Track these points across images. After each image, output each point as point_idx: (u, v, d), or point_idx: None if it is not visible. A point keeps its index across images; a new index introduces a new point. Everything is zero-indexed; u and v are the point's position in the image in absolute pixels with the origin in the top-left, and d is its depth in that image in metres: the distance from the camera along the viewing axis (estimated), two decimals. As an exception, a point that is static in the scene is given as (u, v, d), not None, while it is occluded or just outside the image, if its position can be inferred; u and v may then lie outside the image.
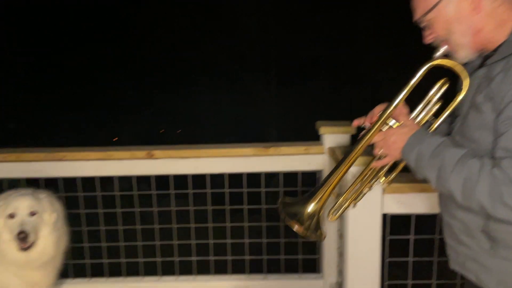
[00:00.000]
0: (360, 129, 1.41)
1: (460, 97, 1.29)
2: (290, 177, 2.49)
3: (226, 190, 2.48)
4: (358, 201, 1.50)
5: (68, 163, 2.37)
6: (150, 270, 2.60)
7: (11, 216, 1.85)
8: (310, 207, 1.33)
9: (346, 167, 1.35)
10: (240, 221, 2.55)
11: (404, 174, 1.82)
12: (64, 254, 2.08)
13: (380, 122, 1.32)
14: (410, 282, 2.06)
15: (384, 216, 1.83)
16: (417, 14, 1.29)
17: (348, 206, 1.49)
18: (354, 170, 1.60)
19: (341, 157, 1.57)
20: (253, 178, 2.50)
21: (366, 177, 1.45)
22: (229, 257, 2.57)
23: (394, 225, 1.98)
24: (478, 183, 1.11)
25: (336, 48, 10.86)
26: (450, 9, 1.23)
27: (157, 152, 2.35)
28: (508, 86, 1.12)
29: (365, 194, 1.49)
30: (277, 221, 2.57)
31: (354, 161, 1.36)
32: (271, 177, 2.56)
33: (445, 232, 1.40)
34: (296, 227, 1.33)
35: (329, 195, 1.36)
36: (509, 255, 1.21)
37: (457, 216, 1.30)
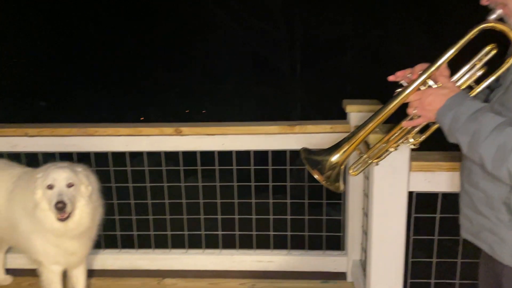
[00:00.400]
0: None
1: (508, 64, 1.25)
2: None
3: (252, 167, 2.52)
4: (382, 159, 1.49)
5: (100, 138, 2.46)
6: (177, 243, 2.69)
7: (50, 187, 1.94)
8: (334, 157, 1.34)
9: (376, 123, 1.33)
10: (265, 198, 2.59)
11: (431, 152, 1.84)
12: (98, 226, 2.17)
13: (420, 81, 1.29)
14: (434, 260, 2.06)
15: (410, 194, 1.83)
16: None
17: (371, 163, 1.48)
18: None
19: (365, 148, 1.57)
20: (279, 155, 2.52)
21: (394, 136, 1.42)
22: (254, 233, 2.63)
23: (419, 204, 1.98)
24: None
25: (362, 26, 10.61)
26: None
27: (185, 129, 2.40)
28: None
29: (389, 153, 1.47)
30: (301, 198, 2.60)
31: (385, 118, 1.33)
32: (297, 155, 2.58)
33: (462, 201, 1.39)
34: (316, 176, 1.35)
35: (354, 149, 1.36)
36: None
37: (479, 186, 1.29)
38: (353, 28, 10.84)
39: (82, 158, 2.48)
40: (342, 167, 1.37)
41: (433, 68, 1.28)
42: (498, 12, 1.24)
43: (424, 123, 1.36)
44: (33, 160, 2.55)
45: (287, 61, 11.65)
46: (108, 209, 2.51)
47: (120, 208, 2.62)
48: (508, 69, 1.26)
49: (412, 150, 1.74)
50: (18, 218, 2.05)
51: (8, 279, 2.53)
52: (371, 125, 1.34)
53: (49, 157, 2.59)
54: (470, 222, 1.36)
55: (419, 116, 1.32)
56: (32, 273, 2.38)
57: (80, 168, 2.05)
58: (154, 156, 2.59)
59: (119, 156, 2.52)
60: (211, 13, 12.05)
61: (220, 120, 2.57)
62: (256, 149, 2.47)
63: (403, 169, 1.79)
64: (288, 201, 2.61)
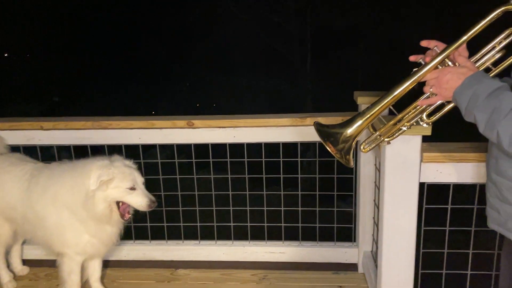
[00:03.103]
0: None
1: None
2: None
3: (263, 159, 2.54)
4: (395, 138, 1.49)
5: (113, 131, 2.49)
6: (190, 235, 2.73)
7: (132, 188, 2.03)
8: (348, 130, 1.36)
9: (392, 99, 1.33)
10: (276, 190, 2.61)
11: (442, 143, 1.83)
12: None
13: (439, 58, 1.29)
14: (446, 251, 2.06)
15: (422, 185, 1.82)
16: None
17: (383, 141, 1.49)
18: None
19: (377, 125, 1.58)
20: (290, 147, 2.53)
21: (408, 115, 1.42)
22: (265, 224, 2.65)
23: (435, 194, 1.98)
24: None
25: (374, 17, 10.49)
26: None
27: (197, 122, 2.43)
28: None
29: (402, 132, 1.47)
30: (313, 191, 2.61)
31: (402, 95, 1.32)
32: (308, 147, 2.59)
33: (489, 190, 1.38)
34: (329, 148, 1.37)
35: (368, 124, 1.38)
36: None
37: (507, 174, 1.28)
38: (365, 19, 10.73)
39: (96, 150, 2.52)
40: (354, 142, 1.38)
41: (452, 48, 1.28)
42: None
43: (440, 102, 1.35)
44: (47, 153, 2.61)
45: (299, 53, 11.60)
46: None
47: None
48: None
49: (426, 140, 1.75)
50: (46, 212, 2.10)
51: (25, 270, 2.60)
52: (387, 101, 1.34)
53: (63, 152, 2.65)
54: (497, 212, 1.36)
55: (436, 95, 1.31)
56: (49, 263, 2.44)
57: (127, 161, 2.11)
58: (165, 149, 2.62)
59: (132, 149, 2.56)
60: (222, 6, 12.04)
61: (231, 113, 2.58)
62: (267, 141, 2.48)
63: (414, 161, 1.79)
64: (300, 193, 2.62)
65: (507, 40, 1.31)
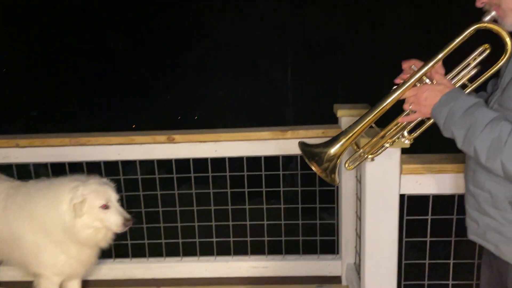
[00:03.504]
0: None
1: (501, 63, 1.29)
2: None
3: (245, 173, 2.53)
4: (378, 155, 1.53)
5: (92, 147, 2.45)
6: (172, 251, 2.69)
7: (106, 207, 1.96)
8: (332, 150, 1.39)
9: (373, 118, 1.38)
10: (259, 204, 2.60)
11: (421, 155, 1.86)
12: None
13: (416, 77, 1.33)
14: (427, 262, 2.08)
15: (402, 197, 1.84)
16: None
17: (366, 158, 1.52)
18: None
19: (361, 142, 1.60)
20: (271, 161, 2.53)
21: (389, 132, 1.46)
22: (248, 239, 2.63)
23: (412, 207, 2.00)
24: (507, 144, 1.13)
25: (353, 29, 10.69)
26: None
27: (178, 137, 2.41)
28: None
29: (385, 149, 1.51)
30: (295, 203, 2.61)
31: (382, 113, 1.37)
32: (289, 160, 2.60)
33: (468, 202, 1.41)
34: (314, 167, 1.39)
35: (351, 142, 1.41)
36: None
37: (485, 187, 1.31)
38: (344, 31, 10.92)
39: (74, 167, 2.47)
40: (339, 160, 1.40)
41: (428, 66, 1.32)
42: (492, 13, 1.28)
43: (419, 119, 1.39)
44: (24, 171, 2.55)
45: (280, 65, 11.70)
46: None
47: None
48: (504, 71, 1.30)
49: (405, 152, 1.78)
50: (22, 232, 2.04)
51: (0, 292, 2.52)
52: (368, 120, 1.38)
53: (41, 168, 2.59)
54: (476, 223, 1.38)
55: (415, 112, 1.35)
56: (25, 285, 2.36)
57: (105, 179, 2.06)
58: (146, 164, 2.59)
59: (111, 165, 2.51)
60: (203, 19, 12.08)
61: (213, 126, 2.58)
62: (249, 155, 2.48)
63: (394, 173, 1.80)
64: (282, 206, 2.62)
65: (481, 57, 1.35)
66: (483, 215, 1.33)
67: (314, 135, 2.44)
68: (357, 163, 1.53)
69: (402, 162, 1.80)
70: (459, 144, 1.25)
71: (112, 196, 2.00)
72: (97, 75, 13.06)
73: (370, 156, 1.52)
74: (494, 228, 1.31)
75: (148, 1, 11.89)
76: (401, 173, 1.81)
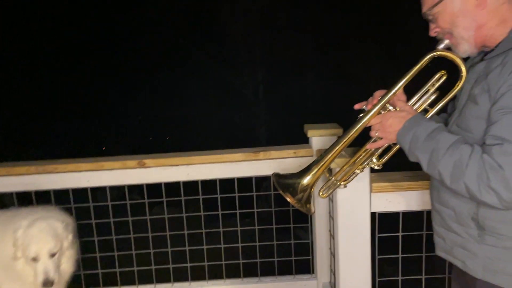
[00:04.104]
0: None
1: (457, 88, 1.36)
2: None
3: (218, 195, 2.51)
4: (350, 181, 1.58)
5: (60, 175, 2.38)
6: (145, 279, 2.62)
7: (34, 259, 1.86)
8: (305, 180, 1.42)
9: (343, 146, 1.43)
10: (233, 226, 2.58)
11: (390, 173, 1.90)
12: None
13: (379, 105, 1.38)
14: (400, 278, 2.11)
15: (373, 215, 1.87)
16: (425, 7, 1.35)
17: (339, 185, 1.56)
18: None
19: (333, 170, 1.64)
20: (244, 182, 2.53)
21: (359, 159, 1.51)
22: (223, 262, 2.60)
23: (384, 224, 2.03)
24: (468, 166, 1.18)
25: (323, 49, 10.95)
26: (456, 3, 1.29)
27: (148, 161, 2.37)
28: (504, 78, 1.18)
29: (356, 175, 1.56)
30: (269, 224, 2.61)
31: (351, 140, 1.42)
32: (262, 181, 2.60)
33: (434, 219, 1.45)
34: (289, 198, 1.42)
35: (323, 171, 1.45)
36: (495, 243, 1.28)
37: (449, 204, 1.35)
38: (313, 51, 11.17)
39: (41, 196, 2.40)
40: (313, 189, 1.44)
41: (390, 94, 1.38)
42: (446, 41, 1.35)
43: (386, 145, 1.45)
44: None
45: (251, 85, 11.81)
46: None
47: (83, 246, 2.53)
48: (460, 94, 1.36)
49: (374, 171, 1.82)
50: None
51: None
52: (337, 148, 1.43)
53: (6, 197, 2.49)
54: (443, 240, 1.42)
55: (381, 138, 1.41)
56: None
57: (59, 223, 1.95)
58: (117, 189, 2.53)
59: (80, 191, 2.45)
60: (173, 40, 12.11)
61: (185, 146, 2.56)
62: (222, 177, 2.47)
63: (364, 191, 1.84)
64: (256, 227, 2.61)
65: (439, 83, 1.42)
66: (449, 231, 1.38)
67: (286, 156, 2.46)
68: (331, 190, 1.57)
69: (372, 180, 1.84)
70: (424, 168, 1.29)
71: (45, 249, 1.85)
72: (64, 98, 12.78)
73: (343, 183, 1.57)
74: (460, 244, 1.35)
75: (117, 23, 11.82)
76: (371, 191, 1.85)
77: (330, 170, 1.69)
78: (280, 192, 1.43)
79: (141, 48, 12.13)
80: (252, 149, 2.47)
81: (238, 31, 11.52)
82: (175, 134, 12.95)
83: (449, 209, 1.36)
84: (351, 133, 1.40)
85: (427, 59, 1.35)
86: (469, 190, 1.19)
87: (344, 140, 1.41)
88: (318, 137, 2.43)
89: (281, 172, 2.43)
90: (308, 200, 1.43)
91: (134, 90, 12.98)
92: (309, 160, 2.43)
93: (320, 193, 1.57)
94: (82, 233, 2.51)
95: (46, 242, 1.86)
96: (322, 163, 1.43)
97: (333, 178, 1.55)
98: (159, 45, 12.15)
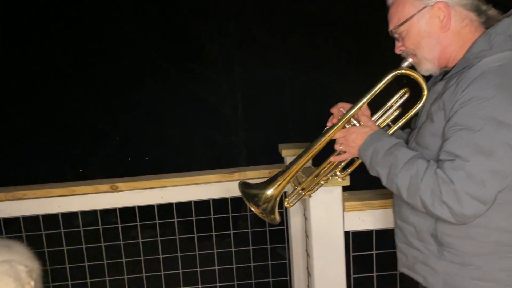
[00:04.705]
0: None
1: (418, 106, 1.40)
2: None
3: (194, 218, 2.49)
4: (314, 192, 1.60)
5: (30, 201, 2.32)
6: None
7: None
8: (269, 191, 1.45)
9: (307, 158, 1.46)
10: (209, 248, 2.55)
11: (362, 191, 1.92)
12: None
13: (344, 120, 1.42)
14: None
15: (347, 233, 1.88)
16: (391, 25, 1.39)
17: (304, 195, 1.58)
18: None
19: (302, 176, 1.66)
20: (220, 204, 2.52)
21: (324, 171, 1.54)
22: (200, 286, 2.55)
23: (360, 242, 2.04)
24: (422, 181, 1.21)
25: (296, 68, 11.13)
26: (422, 24, 1.32)
27: (121, 184, 2.34)
28: (457, 97, 1.22)
29: (320, 186, 1.59)
30: (246, 246, 2.59)
31: (316, 153, 1.46)
32: (238, 201, 2.59)
33: (396, 236, 1.48)
34: (253, 208, 1.43)
35: (287, 183, 1.48)
36: (453, 258, 1.30)
37: (409, 220, 1.38)
38: (289, 70, 11.33)
39: (10, 222, 2.32)
40: (278, 199, 1.46)
41: (355, 109, 1.41)
42: (409, 60, 1.39)
43: (350, 158, 1.48)
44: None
45: (229, 104, 11.86)
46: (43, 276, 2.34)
47: (55, 274, 2.45)
48: (421, 112, 1.40)
49: (346, 189, 1.85)
50: None
51: None
52: (302, 160, 1.46)
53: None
54: (405, 256, 1.45)
55: (345, 152, 1.44)
56: None
57: (22, 267, 1.88)
58: (89, 214, 2.48)
59: (50, 217, 2.39)
60: (151, 61, 12.11)
61: (164, 166, 2.54)
62: (197, 199, 2.45)
63: (337, 210, 1.85)
64: (233, 249, 2.58)
65: (403, 99, 1.46)
66: (410, 247, 1.40)
67: (260, 176, 2.46)
68: (296, 200, 1.59)
69: (344, 199, 1.86)
70: (384, 182, 1.33)
71: None
72: (40, 118, 12.53)
73: (308, 193, 1.59)
74: (421, 260, 1.37)
75: (95, 43, 11.76)
76: (344, 210, 1.86)
77: (297, 180, 1.71)
78: (245, 201, 1.44)
79: (119, 68, 12.07)
80: (227, 170, 2.46)
81: (216, 52, 11.63)
82: (154, 154, 12.84)
83: (410, 225, 1.38)
84: (316, 146, 1.44)
85: (390, 77, 1.39)
86: (424, 204, 1.22)
87: (309, 153, 1.44)
88: (292, 156, 2.44)
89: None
90: (272, 210, 1.44)
91: (112, 110, 12.86)
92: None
93: (286, 203, 1.59)
94: (53, 260, 2.44)
95: (6, 285, 1.79)
96: (287, 175, 1.46)
97: (298, 188, 1.57)
98: (137, 65, 12.12)
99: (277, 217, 1.47)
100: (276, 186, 1.44)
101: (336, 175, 1.54)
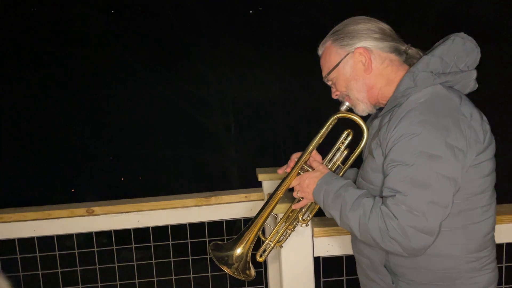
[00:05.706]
0: None
1: (361, 146, 1.45)
2: (233, 224, 2.54)
3: (170, 242, 2.49)
4: (283, 242, 1.61)
5: (4, 225, 2.32)
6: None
7: None
8: (237, 251, 1.45)
9: (269, 210, 1.49)
10: (186, 273, 2.54)
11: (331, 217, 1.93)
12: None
13: (296, 168, 1.46)
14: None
15: (316, 259, 1.89)
16: (323, 73, 1.47)
17: (274, 247, 1.58)
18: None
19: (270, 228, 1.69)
20: (197, 228, 2.52)
21: (288, 219, 1.57)
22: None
23: (330, 268, 2.05)
24: (370, 219, 1.24)
25: (286, 88, 11.25)
26: (347, 69, 1.40)
27: (97, 208, 2.34)
28: (390, 134, 1.28)
29: (289, 235, 1.60)
30: (223, 270, 2.57)
31: (276, 203, 1.49)
32: (215, 225, 2.59)
33: (357, 269, 1.50)
34: (225, 269, 1.45)
35: (254, 238, 1.47)
36: None
37: (364, 253, 1.41)
38: (279, 91, 11.45)
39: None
40: (249, 254, 1.47)
41: (304, 156, 1.47)
42: (346, 103, 1.45)
43: (309, 203, 1.51)
44: None
45: (221, 125, 11.92)
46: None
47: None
48: (364, 148, 1.46)
49: (317, 215, 1.86)
50: None
51: None
52: (265, 212, 1.49)
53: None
54: None
55: (303, 198, 1.47)
56: None
57: None
58: (65, 238, 2.48)
59: (26, 241, 2.38)
60: (144, 80, 12.20)
61: (157, 185, 2.54)
62: (173, 223, 2.45)
63: (307, 236, 1.86)
64: (210, 274, 2.57)
65: (348, 140, 1.51)
66: (368, 280, 1.42)
67: (237, 200, 2.47)
68: (267, 253, 1.59)
69: (314, 225, 1.87)
70: (338, 223, 1.36)
71: None
72: (32, 137, 12.51)
73: (278, 244, 1.60)
74: None
75: (86, 61, 11.85)
76: (313, 236, 1.87)
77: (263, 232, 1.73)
78: (217, 263, 1.46)
79: (112, 88, 12.15)
80: (204, 194, 2.48)
81: (208, 72, 11.75)
82: (147, 173, 12.81)
83: (365, 258, 1.41)
84: (274, 198, 1.48)
85: (332, 120, 1.46)
86: (376, 242, 1.24)
87: (270, 204, 1.48)
88: (269, 181, 2.47)
89: (232, 217, 2.48)
90: (244, 267, 1.45)
91: (105, 129, 12.89)
92: (261, 204, 2.46)
93: (258, 257, 1.59)
94: (28, 285, 2.42)
95: None
96: (254, 228, 1.47)
97: (267, 241, 1.58)
98: (129, 85, 12.21)
99: (252, 272, 1.48)
100: (244, 243, 1.46)
101: (299, 221, 1.56)
